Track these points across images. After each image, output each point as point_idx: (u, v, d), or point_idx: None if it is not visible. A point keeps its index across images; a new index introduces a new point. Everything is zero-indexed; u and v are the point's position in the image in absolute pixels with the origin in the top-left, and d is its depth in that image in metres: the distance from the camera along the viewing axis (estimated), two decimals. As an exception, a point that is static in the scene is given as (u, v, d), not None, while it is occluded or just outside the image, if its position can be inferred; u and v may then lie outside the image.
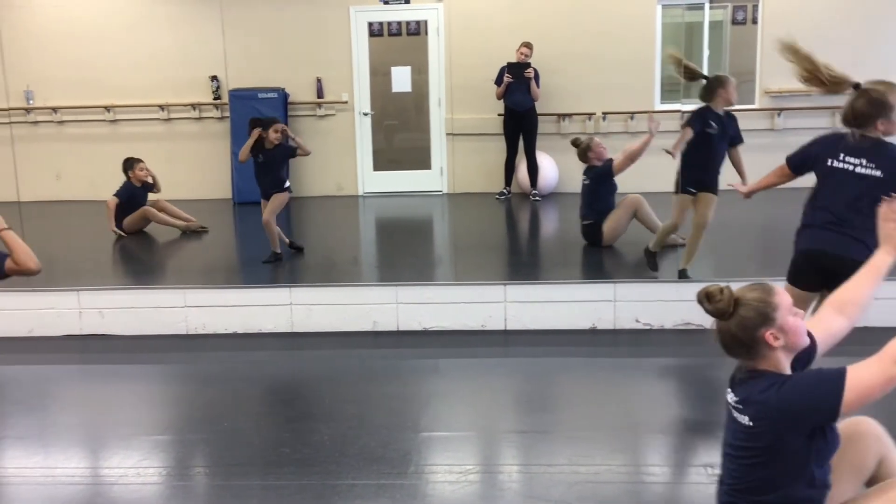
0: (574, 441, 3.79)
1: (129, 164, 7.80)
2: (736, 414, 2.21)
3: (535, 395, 4.53)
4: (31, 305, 5.48)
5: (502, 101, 9.14)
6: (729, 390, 2.29)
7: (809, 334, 2.27)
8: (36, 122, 9.83)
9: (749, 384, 2.18)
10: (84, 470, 3.66)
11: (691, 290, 5.22)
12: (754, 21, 9.59)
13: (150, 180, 7.77)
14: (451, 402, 4.45)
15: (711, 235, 5.75)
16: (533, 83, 8.98)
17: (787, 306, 2.17)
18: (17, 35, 9.52)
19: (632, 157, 6.33)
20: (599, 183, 6.50)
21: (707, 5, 9.44)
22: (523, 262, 6.80)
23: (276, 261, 6.39)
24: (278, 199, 6.43)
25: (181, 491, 3.44)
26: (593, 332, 5.32)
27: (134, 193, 7.72)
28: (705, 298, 2.20)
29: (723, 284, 2.23)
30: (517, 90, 9.01)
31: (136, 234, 7.70)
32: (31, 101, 9.81)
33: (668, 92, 9.76)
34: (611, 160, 6.53)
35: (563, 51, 9.42)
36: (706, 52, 9.59)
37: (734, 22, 9.93)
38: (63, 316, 5.46)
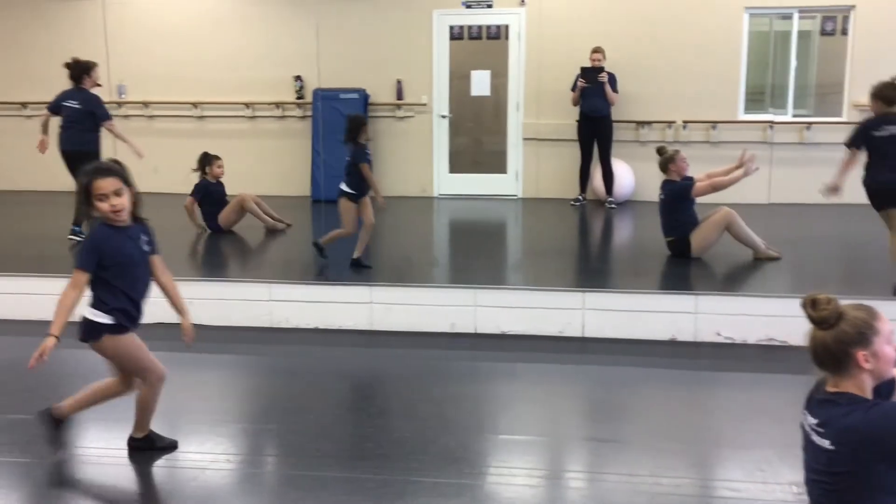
0: (656, 452, 3.77)
1: (208, 159, 7.89)
2: (816, 437, 2.17)
3: (614, 404, 4.52)
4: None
5: (578, 107, 9.14)
6: (806, 412, 2.24)
7: None
8: (127, 116, 10.19)
9: (830, 407, 2.15)
10: (173, 455, 3.79)
11: (775, 305, 5.21)
12: (844, 32, 9.37)
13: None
14: (529, 407, 4.48)
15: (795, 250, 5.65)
16: (608, 88, 8.94)
17: (886, 334, 2.14)
18: (112, 31, 9.90)
19: (715, 188, 6.25)
20: (676, 201, 6.35)
21: (796, 15, 9.25)
22: (600, 270, 6.77)
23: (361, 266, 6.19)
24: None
25: (270, 479, 3.55)
26: (673, 344, 5.28)
27: (210, 190, 7.81)
28: (811, 304, 2.18)
29: (830, 295, 2.21)
30: (593, 95, 8.99)
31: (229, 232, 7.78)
32: (123, 95, 10.18)
33: (753, 102, 9.61)
34: (691, 179, 6.35)
35: (646, 58, 9.36)
36: (794, 63, 9.39)
37: (823, 32, 9.72)
38: (154, 304, 5.63)
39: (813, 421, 2.19)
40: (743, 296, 5.40)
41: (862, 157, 5.54)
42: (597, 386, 4.81)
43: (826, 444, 2.13)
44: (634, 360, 5.13)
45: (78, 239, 7.10)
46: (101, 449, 3.82)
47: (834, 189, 5.66)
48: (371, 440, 3.90)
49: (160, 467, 3.66)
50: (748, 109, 9.51)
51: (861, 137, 5.52)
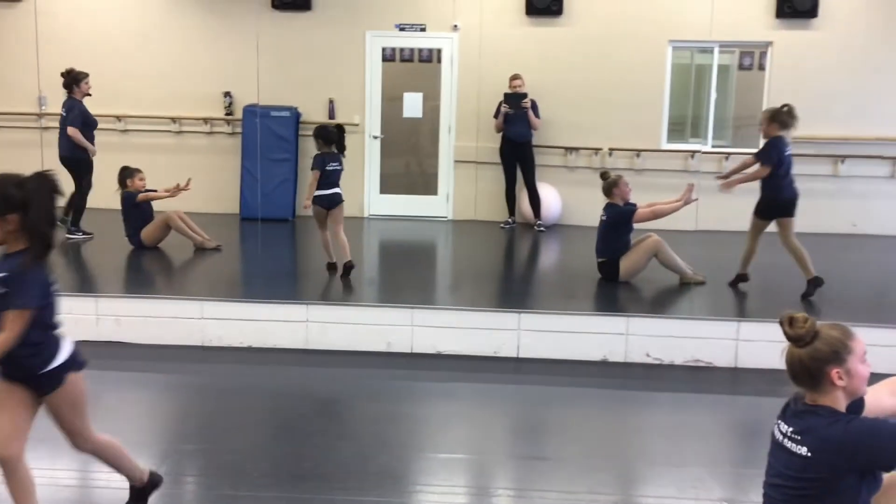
0: (591, 470, 3.86)
1: (128, 172, 7.67)
2: (790, 444, 2.29)
3: (550, 423, 4.61)
4: (50, 309, 5.51)
5: (501, 132, 9.32)
6: (780, 422, 2.37)
7: None
8: (47, 128, 9.88)
9: (809, 417, 2.27)
10: (97, 475, 3.68)
11: (702, 327, 5.40)
12: (761, 67, 9.80)
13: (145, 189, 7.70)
14: (466, 426, 4.52)
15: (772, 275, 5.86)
16: (531, 113, 9.14)
17: (859, 353, 2.29)
18: (41, 40, 9.61)
19: (656, 215, 6.45)
20: (617, 224, 6.51)
21: (716, 49, 9.65)
22: (533, 292, 6.89)
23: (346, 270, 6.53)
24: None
25: (209, 500, 3.49)
26: (604, 364, 5.41)
27: (135, 203, 7.57)
28: (788, 322, 2.31)
29: (807, 314, 2.33)
30: (516, 121, 9.17)
31: (154, 248, 7.60)
32: (43, 107, 9.87)
33: (674, 132, 9.95)
34: (633, 205, 6.53)
35: (574, 86, 9.60)
36: (713, 95, 9.78)
37: (741, 67, 10.16)
38: (80, 322, 5.49)
39: (788, 429, 2.32)
40: (671, 318, 5.58)
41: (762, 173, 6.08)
42: (532, 405, 4.89)
43: (803, 451, 2.25)
44: (568, 379, 5.23)
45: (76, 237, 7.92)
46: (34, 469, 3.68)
47: (730, 184, 6.30)
48: (310, 460, 3.88)
49: (97, 489, 3.56)
50: (670, 139, 9.84)
51: (777, 155, 6.00)
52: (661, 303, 6.26)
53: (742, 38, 9.60)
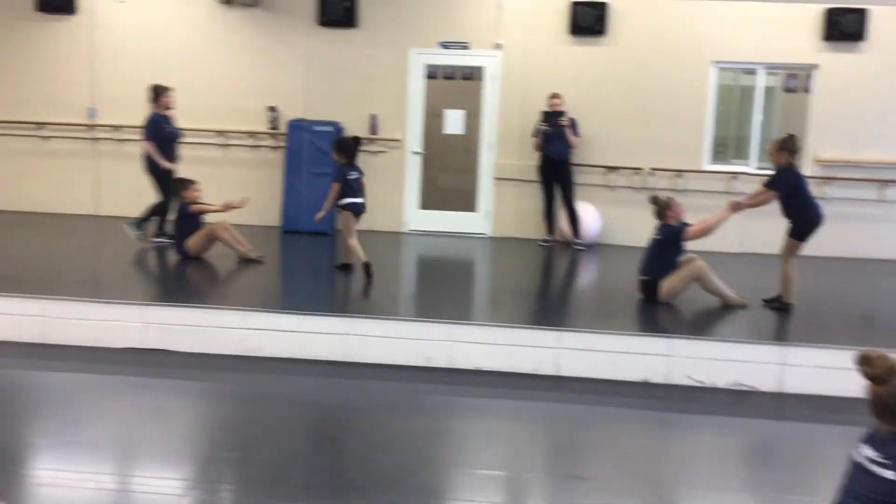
0: (632, 492, 3.84)
1: (184, 184, 7.84)
2: (877, 469, 2.32)
3: (590, 443, 4.58)
4: (98, 316, 5.64)
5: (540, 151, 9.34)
6: (865, 445, 2.40)
7: None
8: (97, 139, 10.10)
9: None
10: (151, 481, 3.74)
11: (746, 350, 5.34)
12: (806, 90, 9.71)
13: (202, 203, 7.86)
14: (506, 443, 4.51)
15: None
16: (569, 132, 9.14)
17: None
18: (84, 53, 9.85)
19: (707, 230, 6.41)
20: (669, 243, 6.50)
21: (762, 71, 9.58)
22: (573, 310, 6.87)
23: (367, 274, 7.03)
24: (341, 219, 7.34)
25: (251, 508, 3.52)
26: (645, 385, 5.37)
27: (186, 213, 7.72)
28: (865, 361, 2.34)
29: (882, 351, 2.35)
30: (554, 139, 9.19)
31: (198, 259, 7.71)
32: (94, 118, 10.09)
33: (717, 153, 9.89)
34: (685, 224, 6.52)
35: (616, 105, 9.60)
36: (758, 117, 9.71)
37: (786, 89, 10.07)
38: (127, 329, 5.61)
39: (875, 454, 2.35)
40: (715, 340, 5.52)
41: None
42: (572, 424, 4.87)
43: (889, 474, 2.29)
44: (608, 399, 5.20)
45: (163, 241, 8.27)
46: (77, 473, 3.75)
47: (739, 207, 6.43)
48: (350, 471, 3.91)
49: (139, 493, 3.61)
50: (713, 160, 9.78)
51: (792, 181, 6.25)
52: (703, 324, 6.21)
53: (788, 61, 9.53)
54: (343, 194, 7.05)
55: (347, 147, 7.16)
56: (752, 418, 5.07)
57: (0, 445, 4.04)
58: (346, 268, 7.40)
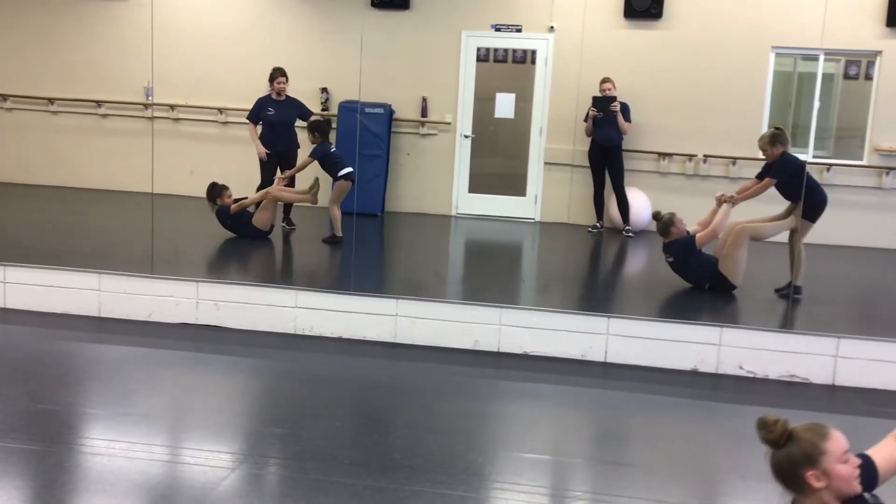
0: (680, 480, 3.81)
1: (218, 190, 7.84)
2: None
3: (638, 430, 4.55)
4: (152, 292, 5.75)
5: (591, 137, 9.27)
6: None
7: (869, 464, 2.29)
8: (152, 118, 10.27)
9: None
10: (204, 454, 3.81)
11: (799, 341, 5.24)
12: (868, 77, 9.46)
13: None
14: (554, 427, 4.51)
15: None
16: (620, 117, 9.04)
17: (836, 454, 2.21)
18: (140, 33, 10.00)
19: (716, 234, 6.37)
20: (687, 256, 6.42)
21: (822, 57, 9.35)
22: (622, 297, 6.82)
23: (335, 243, 7.63)
24: (338, 187, 7.75)
25: (302, 483, 3.57)
26: (695, 374, 5.31)
27: (228, 216, 7.82)
28: (761, 426, 2.29)
29: (779, 417, 2.27)
30: (605, 124, 9.09)
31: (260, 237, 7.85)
32: (150, 98, 10.27)
33: (773, 140, 9.68)
34: (688, 234, 6.47)
35: (670, 90, 9.45)
36: (816, 104, 9.48)
37: (846, 76, 9.82)
38: (181, 304, 5.72)
39: None
40: (767, 331, 5.42)
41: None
42: (619, 411, 4.84)
43: None
44: (656, 387, 5.16)
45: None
46: (130, 444, 3.84)
47: (736, 202, 6.49)
48: (398, 451, 3.93)
49: (190, 465, 3.69)
50: (769, 147, 9.58)
51: (791, 169, 6.35)
52: (756, 314, 6.11)
53: (850, 47, 9.27)
54: (336, 167, 7.70)
55: (323, 127, 7.81)
56: (803, 410, 4.97)
57: (58, 415, 4.15)
58: (335, 240, 7.75)
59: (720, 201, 6.54)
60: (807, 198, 6.29)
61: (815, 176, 9.23)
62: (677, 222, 6.49)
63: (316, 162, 7.82)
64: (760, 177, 6.58)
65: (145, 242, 6.90)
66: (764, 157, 6.64)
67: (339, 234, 7.76)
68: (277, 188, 7.94)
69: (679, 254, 6.46)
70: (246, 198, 7.90)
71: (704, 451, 4.29)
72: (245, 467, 3.67)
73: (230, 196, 7.89)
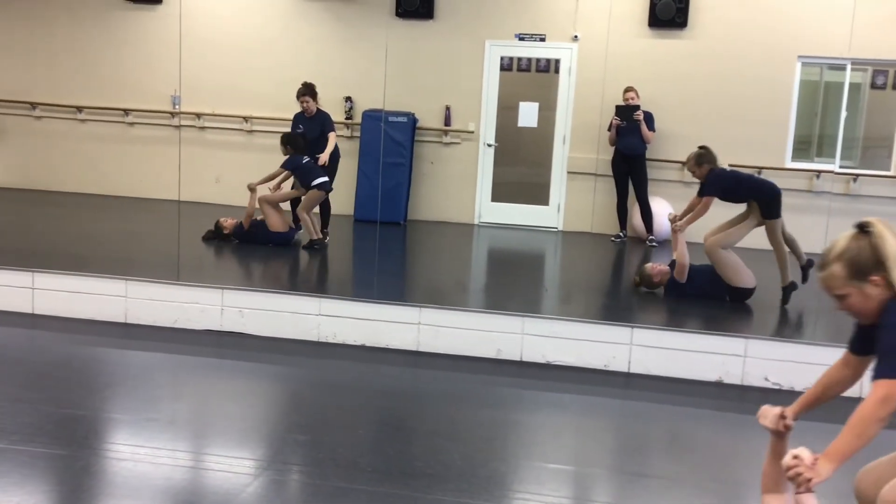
0: (704, 492, 3.77)
1: (218, 230, 7.98)
2: None
3: (662, 441, 4.52)
4: (178, 298, 5.81)
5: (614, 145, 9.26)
6: None
7: None
8: (179, 127, 10.38)
9: None
10: (227, 460, 3.84)
11: (827, 353, 5.18)
12: (895, 87, 9.37)
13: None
14: (577, 438, 4.49)
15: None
16: (644, 126, 9.01)
17: None
18: (168, 42, 10.13)
19: (683, 262, 6.42)
20: (681, 289, 6.49)
21: (849, 66, 9.27)
22: (645, 307, 6.77)
23: (317, 247, 7.81)
24: (309, 196, 7.91)
25: (324, 490, 3.58)
26: (719, 386, 5.27)
27: (247, 232, 8.00)
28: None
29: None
30: (628, 133, 9.07)
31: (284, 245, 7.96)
32: (177, 106, 10.38)
33: (799, 151, 9.62)
34: (668, 271, 6.57)
35: (694, 99, 9.42)
36: (843, 114, 9.40)
37: (873, 86, 9.73)
38: (206, 311, 5.76)
39: None
40: (794, 342, 5.37)
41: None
42: (642, 422, 4.81)
43: None
44: (680, 398, 5.12)
45: None
46: (155, 449, 3.88)
47: (682, 226, 6.57)
48: (420, 460, 3.93)
49: (214, 471, 3.71)
50: (795, 157, 9.52)
51: (721, 184, 6.53)
52: (783, 325, 6.06)
53: (877, 56, 9.19)
54: (308, 176, 7.88)
55: (295, 140, 7.98)
56: (831, 423, 4.91)
57: (85, 420, 4.20)
58: (316, 244, 7.87)
59: (671, 223, 6.68)
60: (756, 198, 6.45)
61: (840, 186, 9.23)
62: (653, 271, 6.61)
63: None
64: (700, 195, 6.70)
65: (171, 249, 6.97)
66: (694, 177, 6.84)
67: (317, 236, 7.91)
68: (265, 196, 7.97)
69: (673, 292, 6.53)
70: (248, 207, 8.01)
71: (729, 463, 4.26)
72: (268, 474, 3.68)
73: (228, 220, 7.99)
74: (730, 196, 6.62)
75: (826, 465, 2.29)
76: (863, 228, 2.36)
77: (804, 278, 6.61)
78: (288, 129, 8.29)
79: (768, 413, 2.67)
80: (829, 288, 2.45)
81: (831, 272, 2.41)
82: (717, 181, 6.52)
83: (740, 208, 6.64)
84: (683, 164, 9.51)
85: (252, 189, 7.98)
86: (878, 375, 2.30)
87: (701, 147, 6.76)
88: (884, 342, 2.34)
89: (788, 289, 6.46)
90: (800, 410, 2.63)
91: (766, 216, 6.43)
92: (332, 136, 8.13)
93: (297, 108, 8.23)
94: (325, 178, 7.94)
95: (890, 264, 2.31)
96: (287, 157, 7.93)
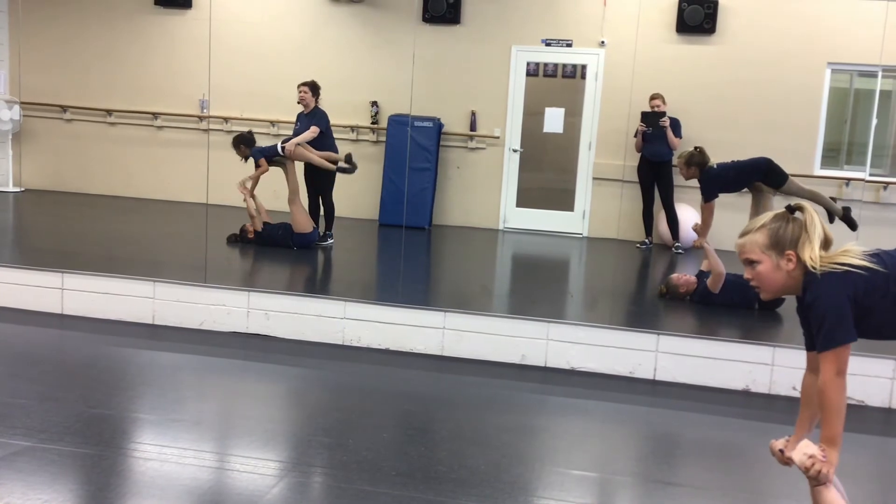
0: (727, 501, 3.73)
1: (242, 233, 8.12)
2: None
3: (689, 449, 4.48)
4: (205, 300, 5.85)
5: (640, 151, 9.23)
6: None
7: None
8: (207, 131, 10.48)
9: None
10: (251, 461, 3.86)
11: (855, 363, 5.10)
12: (928, 94, 9.26)
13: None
14: (602, 445, 4.46)
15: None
16: (670, 132, 8.96)
17: None
18: (196, 45, 10.23)
19: (719, 271, 6.32)
20: (711, 297, 6.42)
21: (880, 73, 9.16)
22: (671, 314, 6.72)
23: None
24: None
25: (349, 493, 3.59)
26: (746, 395, 5.22)
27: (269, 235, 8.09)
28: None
29: None
30: (654, 140, 9.02)
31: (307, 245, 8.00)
32: (205, 110, 10.47)
33: (828, 158, 9.52)
34: (701, 282, 6.50)
35: (722, 106, 9.36)
36: (874, 122, 9.30)
37: (905, 93, 9.62)
38: (232, 313, 5.80)
39: None
40: (821, 351, 5.30)
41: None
42: (668, 430, 4.77)
43: None
44: (706, 406, 5.07)
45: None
46: (182, 449, 3.90)
47: (705, 236, 6.60)
48: (444, 464, 3.92)
49: (239, 472, 3.73)
50: (824, 165, 9.42)
51: (715, 187, 6.66)
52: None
53: (909, 62, 9.08)
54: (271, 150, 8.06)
55: (245, 138, 8.16)
56: (858, 433, 4.85)
57: (112, 420, 4.24)
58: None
59: (696, 231, 6.73)
60: (755, 179, 6.63)
61: (871, 195, 9.12)
62: (676, 281, 6.57)
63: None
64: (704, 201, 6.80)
65: (199, 252, 7.02)
66: (683, 178, 6.97)
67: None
68: (297, 153, 8.02)
69: (703, 300, 6.48)
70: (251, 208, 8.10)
71: (756, 472, 4.21)
72: (293, 476, 3.70)
73: (250, 225, 8.06)
74: (731, 188, 6.74)
75: (832, 452, 2.47)
76: (792, 211, 2.54)
77: (853, 226, 6.71)
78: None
79: (773, 449, 2.78)
80: (745, 252, 2.60)
81: (752, 239, 2.57)
82: (712, 183, 6.59)
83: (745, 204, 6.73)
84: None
85: (245, 189, 8.06)
86: (821, 349, 2.45)
87: (695, 147, 6.81)
88: (814, 316, 2.49)
89: (847, 213, 6.57)
90: (799, 440, 2.66)
91: (775, 186, 6.54)
92: (312, 128, 8.04)
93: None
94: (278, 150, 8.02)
95: (810, 239, 2.48)
96: (245, 157, 8.09)
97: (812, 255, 2.48)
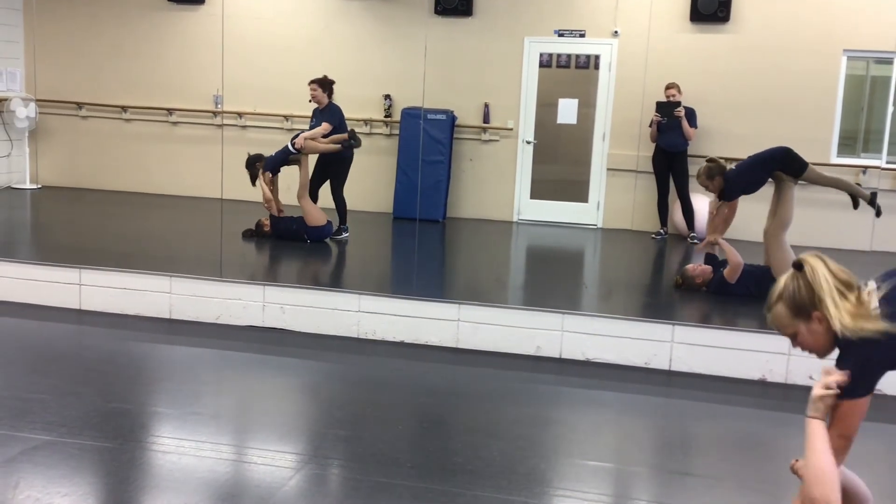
0: (744, 490, 3.73)
1: (258, 228, 8.16)
2: None
3: (705, 440, 4.48)
4: (221, 295, 5.89)
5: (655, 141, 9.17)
6: None
7: None
8: (221, 126, 10.52)
9: None
10: (269, 454, 3.89)
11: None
12: (945, 80, 9.14)
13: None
14: (615, 435, 4.46)
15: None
16: (685, 122, 8.90)
17: None
18: (211, 41, 10.26)
19: (736, 263, 6.33)
20: (727, 288, 6.40)
21: (896, 60, 9.07)
22: (686, 305, 6.70)
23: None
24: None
25: (365, 485, 3.61)
26: (762, 384, 5.20)
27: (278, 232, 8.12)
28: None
29: None
30: (669, 130, 8.97)
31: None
32: (219, 106, 10.51)
33: (845, 146, 9.44)
34: (718, 272, 6.49)
35: (737, 95, 9.29)
36: (891, 109, 9.21)
37: (922, 79, 9.51)
38: (248, 308, 5.84)
39: None
40: (838, 341, 5.27)
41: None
42: (683, 420, 4.77)
43: None
44: (722, 397, 5.06)
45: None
46: (199, 443, 3.94)
47: (723, 233, 6.54)
48: (460, 455, 3.94)
49: (256, 465, 3.76)
50: (840, 153, 9.35)
51: (738, 189, 6.54)
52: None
53: (927, 48, 8.98)
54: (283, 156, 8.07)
55: (256, 156, 8.20)
56: (878, 423, 4.82)
57: (130, 414, 4.28)
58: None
59: (710, 243, 6.63)
60: (775, 169, 6.47)
61: (888, 182, 9.04)
62: (695, 273, 6.55)
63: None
64: (721, 198, 6.65)
65: (214, 246, 7.06)
66: (708, 192, 6.78)
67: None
68: (309, 146, 8.02)
69: (719, 290, 6.45)
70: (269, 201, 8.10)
71: (773, 462, 4.19)
72: (309, 468, 3.72)
73: (265, 220, 8.08)
74: (752, 188, 6.60)
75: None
76: (798, 267, 2.37)
77: (878, 212, 6.70)
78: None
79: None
80: (778, 328, 2.47)
81: (776, 312, 2.43)
82: (735, 183, 6.49)
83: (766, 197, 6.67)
84: (727, 160, 9.40)
85: (263, 176, 8.07)
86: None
87: (709, 160, 6.64)
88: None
89: (873, 199, 6.54)
90: None
91: (796, 175, 6.44)
92: (324, 125, 8.00)
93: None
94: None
95: (823, 298, 2.31)
96: (261, 171, 8.05)
97: (839, 318, 2.30)
